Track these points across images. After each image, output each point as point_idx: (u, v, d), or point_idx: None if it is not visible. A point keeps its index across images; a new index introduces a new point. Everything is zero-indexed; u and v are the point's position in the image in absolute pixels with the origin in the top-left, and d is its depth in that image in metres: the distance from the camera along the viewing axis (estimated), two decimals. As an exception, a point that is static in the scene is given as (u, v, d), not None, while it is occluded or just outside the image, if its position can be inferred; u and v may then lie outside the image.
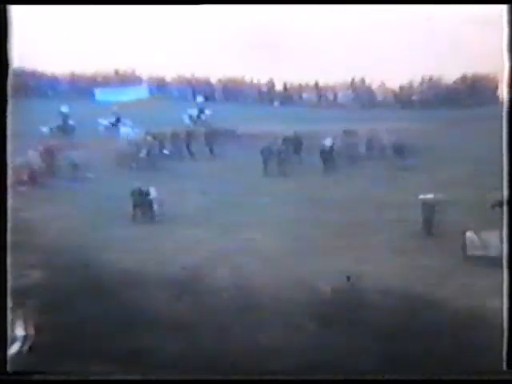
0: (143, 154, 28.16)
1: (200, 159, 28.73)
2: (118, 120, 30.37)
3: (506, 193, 17.11)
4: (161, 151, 28.86)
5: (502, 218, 17.47)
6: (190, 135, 29.28)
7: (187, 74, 36.64)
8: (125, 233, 22.84)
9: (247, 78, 36.27)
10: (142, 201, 23.50)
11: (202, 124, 30.06)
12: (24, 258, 19.53)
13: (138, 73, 36.46)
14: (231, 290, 17.61)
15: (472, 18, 19.22)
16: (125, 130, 28.88)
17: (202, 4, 18.27)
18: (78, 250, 18.95)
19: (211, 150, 29.24)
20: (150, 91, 35.96)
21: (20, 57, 33.34)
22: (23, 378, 13.24)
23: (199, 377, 16.20)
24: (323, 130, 26.75)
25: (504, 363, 15.84)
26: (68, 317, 17.05)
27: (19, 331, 17.40)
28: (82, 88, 36.11)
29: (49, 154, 26.76)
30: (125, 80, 36.20)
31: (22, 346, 17.30)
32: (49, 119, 29.31)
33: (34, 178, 26.08)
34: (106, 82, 36.17)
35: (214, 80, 37.02)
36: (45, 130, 28.80)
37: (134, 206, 23.43)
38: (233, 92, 36.48)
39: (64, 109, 30.29)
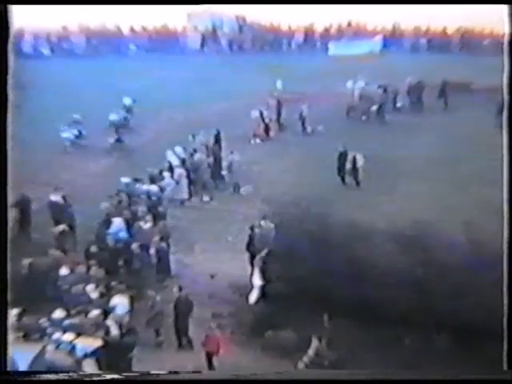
0: (374, 107, 27.88)
1: (432, 112, 27.96)
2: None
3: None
4: (393, 104, 28.45)
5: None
6: (422, 88, 28.62)
7: (422, 27, 35.73)
8: (351, 186, 22.81)
9: (486, 29, 34.62)
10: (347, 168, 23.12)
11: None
12: (256, 210, 19.95)
13: (370, 25, 36.15)
14: (464, 245, 16.80)
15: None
16: (358, 83, 28.76)
17: None
18: (307, 203, 19.00)
19: (445, 103, 28.40)
20: (384, 44, 35.53)
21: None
22: (23, 378, 13.50)
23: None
24: None
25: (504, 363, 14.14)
26: (299, 268, 17.18)
27: (256, 281, 17.79)
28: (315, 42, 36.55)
29: (280, 107, 27.26)
30: (358, 33, 36.02)
31: (260, 296, 17.72)
32: (281, 74, 29.88)
33: (267, 132, 26.74)
34: (339, 34, 36.21)
35: (450, 31, 35.81)
36: (278, 84, 29.41)
37: (340, 172, 23.12)
38: (468, 43, 35.02)
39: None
